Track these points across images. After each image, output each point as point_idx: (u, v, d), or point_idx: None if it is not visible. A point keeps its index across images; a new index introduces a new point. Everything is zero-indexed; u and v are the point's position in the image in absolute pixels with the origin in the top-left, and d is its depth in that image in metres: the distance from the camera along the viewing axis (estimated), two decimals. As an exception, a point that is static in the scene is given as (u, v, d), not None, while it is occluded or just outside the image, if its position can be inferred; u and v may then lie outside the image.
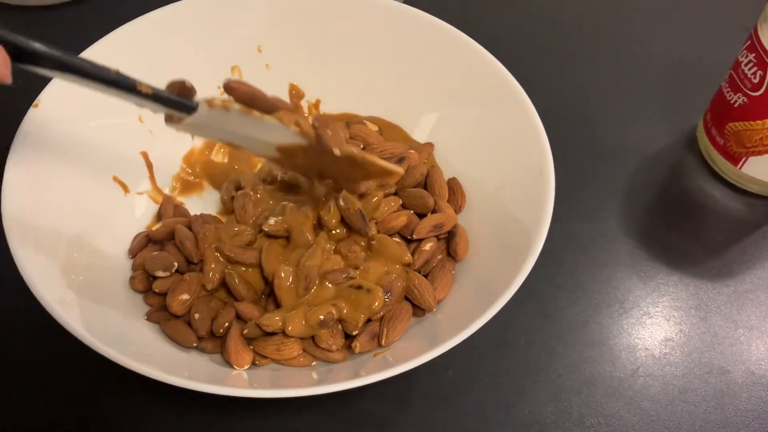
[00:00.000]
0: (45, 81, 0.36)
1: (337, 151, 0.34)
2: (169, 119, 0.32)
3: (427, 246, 0.38)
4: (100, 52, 0.38)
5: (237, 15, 0.42)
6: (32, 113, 0.36)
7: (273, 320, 0.34)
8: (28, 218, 0.33)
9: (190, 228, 0.38)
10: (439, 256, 0.38)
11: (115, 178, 0.40)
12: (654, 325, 0.41)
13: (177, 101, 0.31)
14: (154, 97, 0.30)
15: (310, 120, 0.35)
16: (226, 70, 0.44)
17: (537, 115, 0.38)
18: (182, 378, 0.28)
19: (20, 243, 0.31)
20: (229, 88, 0.31)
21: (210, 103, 0.31)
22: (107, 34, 0.39)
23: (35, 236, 0.33)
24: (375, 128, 0.45)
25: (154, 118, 0.36)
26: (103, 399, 0.36)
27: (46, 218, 0.34)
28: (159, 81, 0.41)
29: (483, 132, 0.41)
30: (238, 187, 0.41)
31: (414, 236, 0.38)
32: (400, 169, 0.38)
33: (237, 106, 0.31)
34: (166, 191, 0.42)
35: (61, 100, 0.36)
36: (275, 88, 0.45)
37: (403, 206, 0.39)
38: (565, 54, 0.55)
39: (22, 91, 0.36)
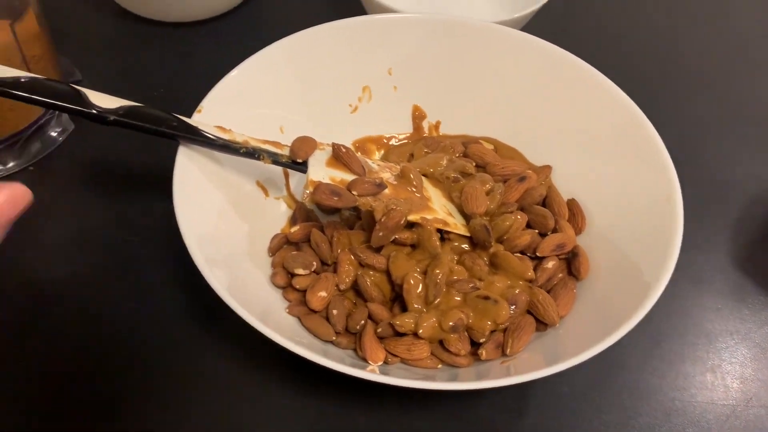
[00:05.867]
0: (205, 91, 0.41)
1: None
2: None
3: (549, 264, 0.40)
4: (258, 62, 0.43)
5: (375, 38, 0.45)
6: (196, 117, 0.40)
7: (406, 321, 0.37)
8: (196, 220, 0.36)
9: (323, 232, 0.41)
10: (560, 275, 0.40)
11: (258, 183, 0.43)
12: (766, 358, 0.42)
13: (290, 164, 0.40)
14: (274, 162, 0.40)
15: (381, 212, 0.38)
16: (359, 89, 0.47)
17: (664, 145, 0.39)
18: (338, 363, 0.31)
19: (201, 256, 0.34)
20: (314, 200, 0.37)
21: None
22: (262, 49, 0.43)
23: (204, 234, 0.36)
24: (491, 147, 0.47)
25: (292, 132, 0.41)
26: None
27: (209, 217, 0.38)
28: (302, 92, 0.45)
29: (605, 158, 0.42)
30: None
31: (537, 254, 0.40)
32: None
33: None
34: (299, 198, 0.45)
35: (218, 110, 0.40)
36: (400, 108, 0.48)
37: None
38: (681, 89, 0.57)
39: (190, 100, 0.40)
